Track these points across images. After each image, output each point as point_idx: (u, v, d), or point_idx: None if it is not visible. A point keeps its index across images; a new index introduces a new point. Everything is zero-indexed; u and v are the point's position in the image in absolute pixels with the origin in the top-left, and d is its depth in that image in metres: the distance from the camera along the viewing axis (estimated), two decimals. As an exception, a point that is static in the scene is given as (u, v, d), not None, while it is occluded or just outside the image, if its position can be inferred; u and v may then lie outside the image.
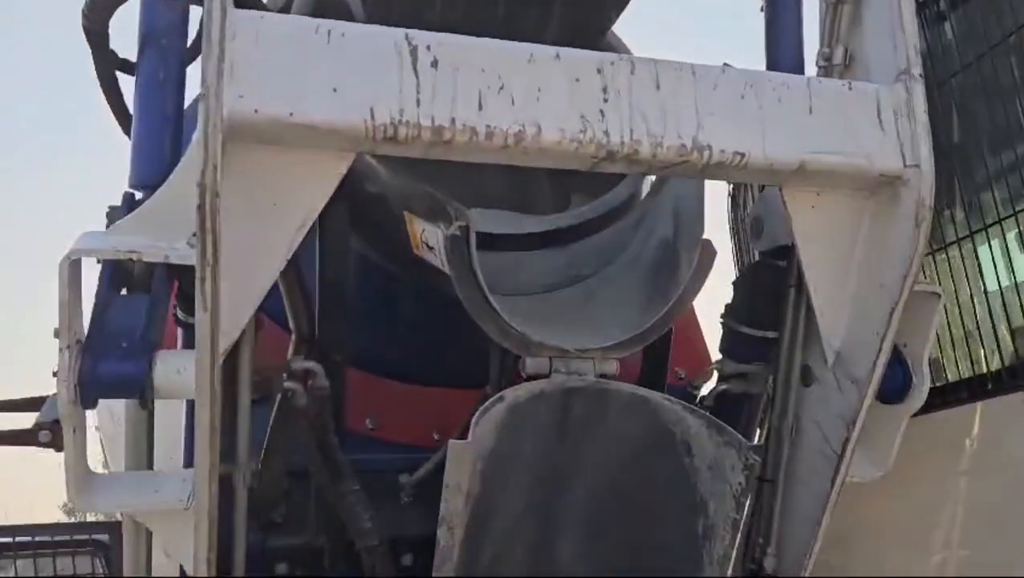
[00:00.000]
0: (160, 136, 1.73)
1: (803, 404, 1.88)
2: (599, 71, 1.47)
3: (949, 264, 2.78)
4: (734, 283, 2.15)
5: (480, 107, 1.39)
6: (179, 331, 1.81)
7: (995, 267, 2.70)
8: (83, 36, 1.82)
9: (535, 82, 1.43)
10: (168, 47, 1.73)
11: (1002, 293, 2.66)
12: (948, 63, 2.74)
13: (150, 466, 2.24)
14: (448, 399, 2.14)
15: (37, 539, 5.01)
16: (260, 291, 1.45)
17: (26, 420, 1.53)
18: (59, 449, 1.46)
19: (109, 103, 1.95)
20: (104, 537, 4.99)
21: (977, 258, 2.74)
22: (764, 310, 1.99)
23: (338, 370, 1.90)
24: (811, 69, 1.88)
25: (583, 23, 2.12)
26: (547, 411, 1.65)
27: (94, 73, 1.91)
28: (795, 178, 1.59)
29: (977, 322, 2.71)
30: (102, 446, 2.92)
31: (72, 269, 1.41)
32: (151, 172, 1.69)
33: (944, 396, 2.64)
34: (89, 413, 1.51)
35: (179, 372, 1.48)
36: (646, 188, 2.35)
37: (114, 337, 1.48)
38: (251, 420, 1.94)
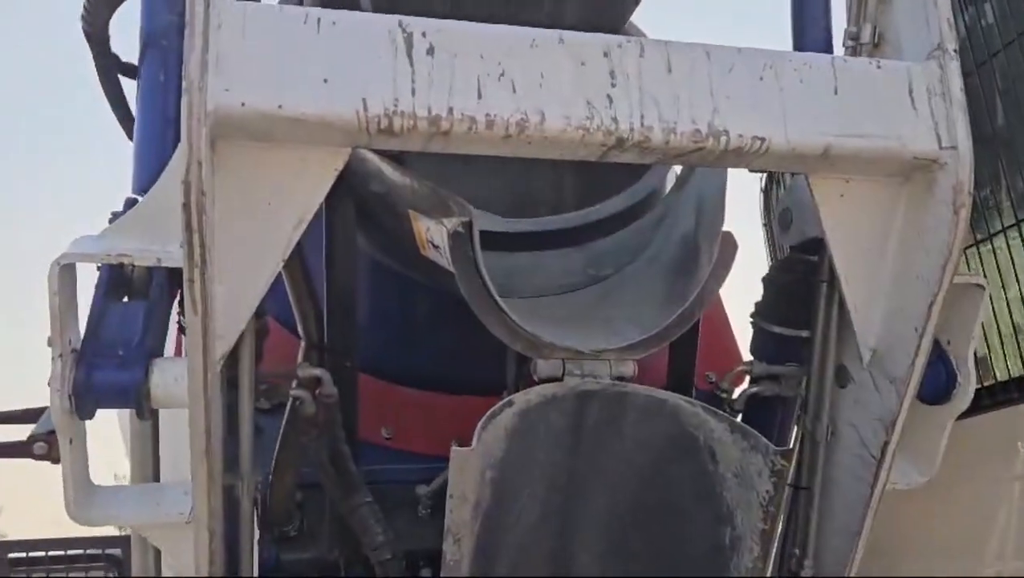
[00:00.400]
0: (162, 139, 1.70)
1: (839, 406, 1.78)
2: (606, 54, 1.39)
3: (995, 256, 2.64)
4: (763, 280, 2.05)
5: (479, 95, 1.32)
6: (183, 339, 1.77)
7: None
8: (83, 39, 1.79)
9: (538, 67, 1.36)
10: (169, 48, 1.70)
11: (1054, 286, 2.53)
12: (989, 42, 2.60)
13: (156, 478, 2.21)
14: (467, 407, 2.06)
15: (50, 554, 5.05)
16: (257, 294, 1.40)
17: (24, 433, 1.49)
18: (55, 461, 1.42)
19: (112, 107, 1.93)
20: (117, 551, 5.01)
21: (1026, 248, 2.60)
22: (795, 308, 1.89)
23: (349, 377, 1.85)
24: (839, 52, 1.79)
25: (599, 14, 2.05)
26: (560, 416, 1.57)
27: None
28: (821, 164, 1.49)
29: (1028, 317, 2.58)
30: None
31: (63, 275, 1.37)
32: (153, 176, 1.65)
33: (992, 396, 2.51)
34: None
35: (176, 380, 1.44)
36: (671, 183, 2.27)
37: (110, 345, 1.44)
38: (262, 429, 1.90)
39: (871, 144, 1.48)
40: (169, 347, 1.90)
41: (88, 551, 5.07)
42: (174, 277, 1.53)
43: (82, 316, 1.50)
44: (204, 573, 1.44)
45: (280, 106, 1.25)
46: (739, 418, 1.96)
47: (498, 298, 1.48)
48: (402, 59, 1.31)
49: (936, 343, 1.76)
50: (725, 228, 1.66)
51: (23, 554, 5.09)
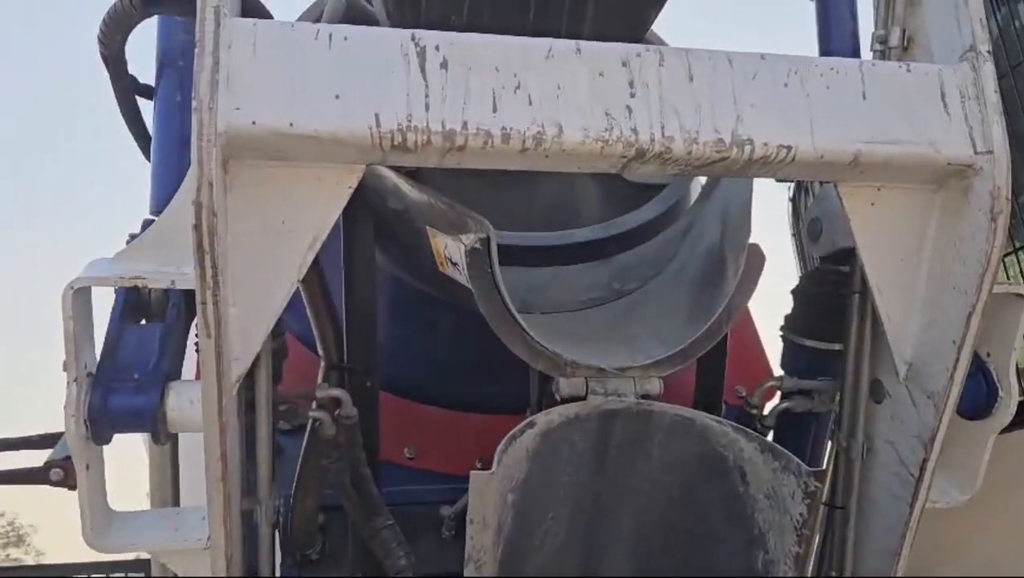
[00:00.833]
0: (179, 160, 1.69)
1: (874, 422, 1.72)
2: (625, 64, 1.36)
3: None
4: (793, 292, 2.00)
5: (495, 108, 1.29)
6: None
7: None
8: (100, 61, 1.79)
9: (554, 79, 1.33)
10: (185, 68, 1.69)
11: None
12: None
13: (176, 501, 2.19)
14: (492, 425, 2.02)
15: (73, 578, 5.05)
16: (272, 315, 1.37)
17: (42, 458, 1.48)
18: (72, 488, 1.40)
19: (129, 127, 1.93)
20: (140, 576, 5.00)
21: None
22: (826, 320, 1.83)
23: (370, 396, 1.82)
24: (867, 57, 1.74)
25: (619, 24, 2.01)
26: (583, 436, 1.52)
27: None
28: (851, 172, 1.44)
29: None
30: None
31: (76, 298, 1.35)
32: (170, 197, 1.64)
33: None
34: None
35: (193, 403, 1.42)
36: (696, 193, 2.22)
37: (126, 369, 1.42)
38: (283, 450, 1.87)
39: (902, 150, 1.43)
40: (190, 370, 1.88)
41: (112, 576, 5.07)
42: (190, 299, 1.51)
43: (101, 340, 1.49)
44: (222, 600, 1.41)
45: (292, 124, 1.23)
46: (770, 435, 1.91)
47: (517, 315, 1.44)
48: (415, 73, 1.28)
49: (975, 356, 1.70)
50: (752, 239, 1.61)
51: (44, 578, 5.12)
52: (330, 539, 1.90)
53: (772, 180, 1.69)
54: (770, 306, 2.21)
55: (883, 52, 1.65)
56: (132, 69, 1.84)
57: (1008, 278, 2.46)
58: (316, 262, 1.69)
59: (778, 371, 2.03)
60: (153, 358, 1.44)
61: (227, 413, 1.32)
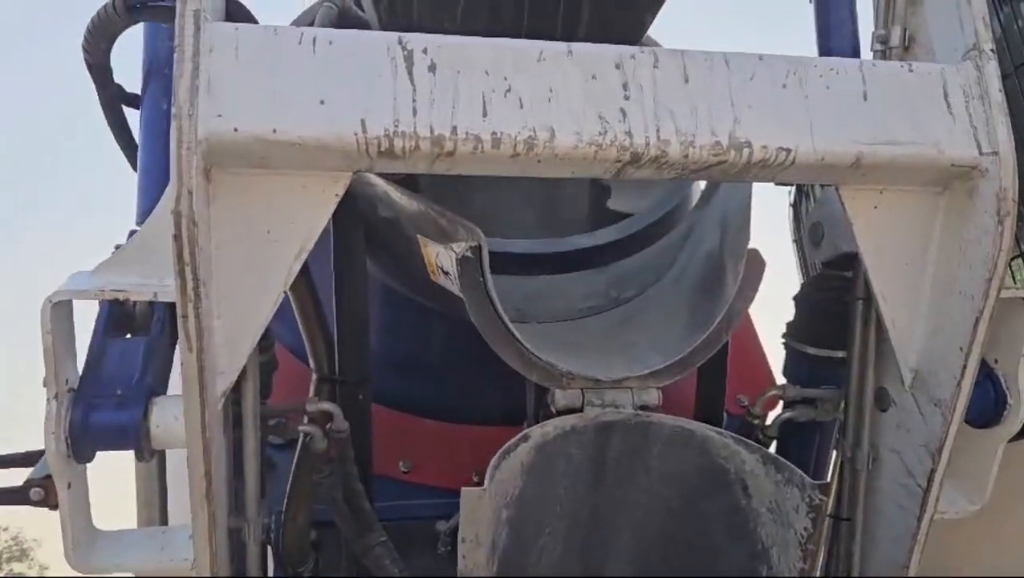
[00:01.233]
0: (165, 169, 1.64)
1: (880, 432, 1.67)
2: (618, 66, 1.32)
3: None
4: (795, 299, 1.95)
5: (484, 113, 1.25)
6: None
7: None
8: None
9: (546, 82, 1.29)
10: (172, 76, 1.65)
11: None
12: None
13: (164, 520, 2.15)
14: (488, 437, 1.98)
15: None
16: (258, 327, 1.33)
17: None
18: (53, 508, 1.36)
19: (116, 137, 1.89)
20: None
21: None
22: (830, 327, 1.79)
23: (362, 409, 1.78)
24: (867, 57, 1.70)
25: (615, 27, 1.98)
26: (580, 449, 1.48)
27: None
28: (852, 174, 1.40)
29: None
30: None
31: (56, 313, 1.31)
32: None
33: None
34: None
35: (177, 419, 1.38)
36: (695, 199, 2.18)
37: (108, 384, 1.38)
38: (276, 465, 1.83)
39: (905, 151, 1.39)
40: (178, 384, 1.84)
41: None
42: (175, 311, 1.47)
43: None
44: (208, 622, 1.36)
45: (275, 130, 1.20)
46: (773, 445, 1.87)
47: (510, 325, 1.40)
48: (402, 77, 1.25)
49: (983, 362, 1.66)
50: (751, 245, 1.57)
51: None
52: (323, 556, 1.86)
53: (770, 185, 1.66)
54: (771, 312, 2.17)
55: (884, 52, 1.61)
56: (118, 77, 1.81)
57: (1015, 282, 2.41)
58: (306, 272, 1.66)
59: (780, 379, 1.99)
60: (137, 373, 1.40)
61: (211, 429, 1.28)
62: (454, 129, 1.24)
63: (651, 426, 1.48)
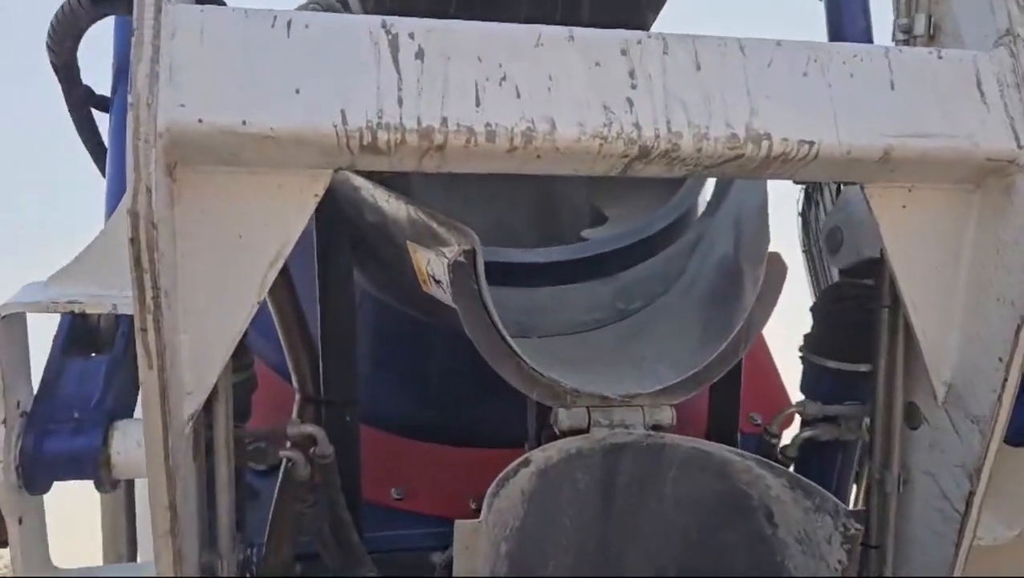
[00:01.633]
0: (135, 175, 1.52)
1: (911, 451, 1.55)
2: (624, 52, 1.21)
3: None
4: (812, 310, 1.84)
5: (478, 103, 1.14)
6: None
7: None
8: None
9: (545, 69, 1.18)
10: None
11: None
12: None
13: (132, 556, 2.01)
14: (487, 461, 1.86)
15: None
16: (230, 342, 1.21)
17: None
18: (3, 545, 1.23)
19: (84, 142, 1.77)
20: None
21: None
22: (852, 339, 1.68)
23: (349, 432, 1.65)
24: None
25: (616, 22, 1.88)
26: (587, 474, 1.35)
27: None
28: (880, 170, 1.29)
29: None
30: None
31: (6, 327, 1.19)
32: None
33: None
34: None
35: (140, 445, 1.24)
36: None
37: (65, 407, 1.25)
38: (259, 492, 1.71)
39: (936, 145, 1.28)
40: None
41: None
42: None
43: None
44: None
45: (245, 122, 1.08)
46: (791, 467, 1.74)
47: (508, 337, 1.28)
48: (386, 64, 1.13)
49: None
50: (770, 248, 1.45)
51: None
52: None
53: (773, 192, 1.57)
54: (782, 322, 2.06)
55: (907, 43, 1.51)
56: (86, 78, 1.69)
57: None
58: (288, 283, 1.54)
59: (795, 395, 1.86)
60: (97, 394, 1.28)
61: (176, 456, 1.15)
62: (444, 121, 1.13)
63: (665, 448, 1.35)
